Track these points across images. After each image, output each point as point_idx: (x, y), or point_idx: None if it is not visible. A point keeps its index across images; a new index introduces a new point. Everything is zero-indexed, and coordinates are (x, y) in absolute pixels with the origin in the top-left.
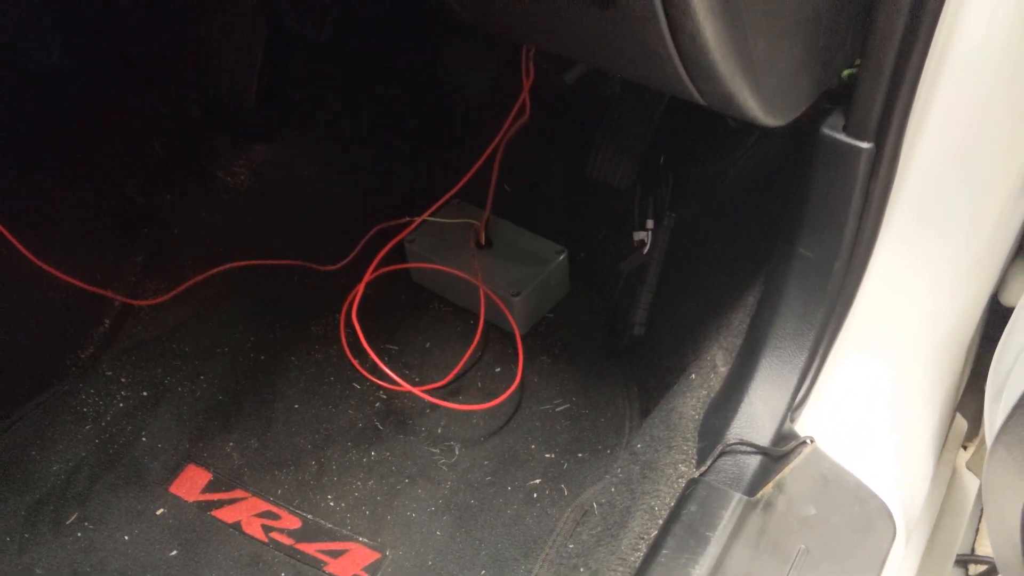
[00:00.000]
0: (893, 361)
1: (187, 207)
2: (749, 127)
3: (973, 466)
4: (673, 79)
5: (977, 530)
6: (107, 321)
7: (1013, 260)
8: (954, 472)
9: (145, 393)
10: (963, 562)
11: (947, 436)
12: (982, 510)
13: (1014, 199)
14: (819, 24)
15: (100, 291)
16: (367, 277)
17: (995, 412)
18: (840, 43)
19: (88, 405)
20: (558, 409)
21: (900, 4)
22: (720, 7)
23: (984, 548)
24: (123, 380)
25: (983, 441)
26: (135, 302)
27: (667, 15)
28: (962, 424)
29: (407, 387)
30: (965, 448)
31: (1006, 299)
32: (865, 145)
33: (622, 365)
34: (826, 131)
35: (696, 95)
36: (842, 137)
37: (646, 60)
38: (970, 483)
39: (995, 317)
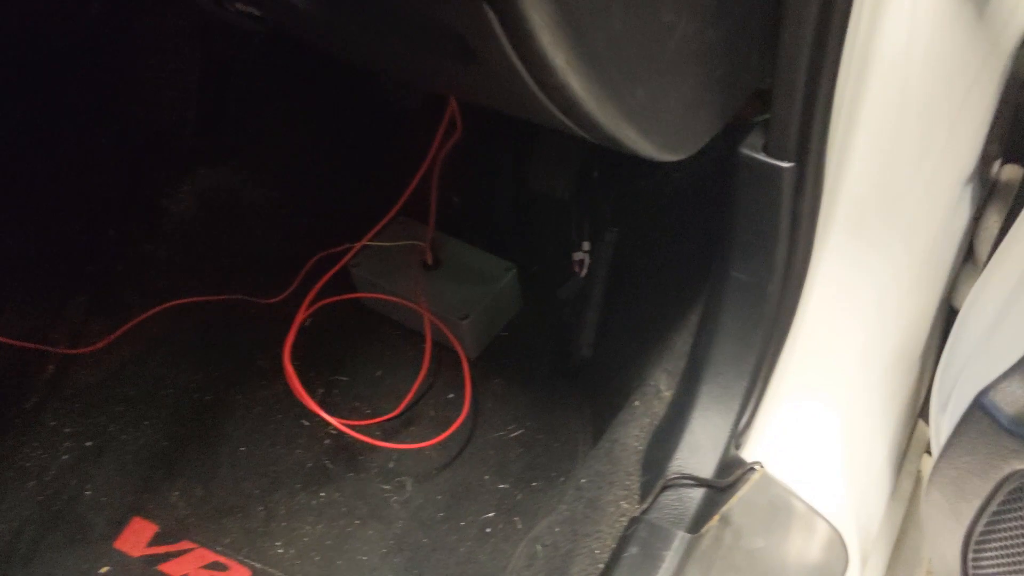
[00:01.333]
0: (842, 378)
1: (131, 241)
2: None
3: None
4: (559, 123)
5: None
6: (51, 367)
7: (964, 264)
8: (918, 481)
9: (89, 443)
10: None
11: (908, 446)
12: None
13: (954, 203)
14: (712, 55)
15: (39, 346)
16: (302, 311)
17: (941, 425)
18: (743, 67)
19: (32, 459)
20: (512, 435)
21: (805, 18)
22: (581, 61)
23: None
24: (67, 430)
25: None
26: (75, 351)
27: (530, 74)
28: (926, 431)
29: (346, 431)
30: (930, 454)
31: (957, 302)
32: (786, 165)
33: (574, 386)
34: (745, 151)
35: (586, 136)
36: (762, 157)
37: (526, 106)
38: None
39: (952, 319)
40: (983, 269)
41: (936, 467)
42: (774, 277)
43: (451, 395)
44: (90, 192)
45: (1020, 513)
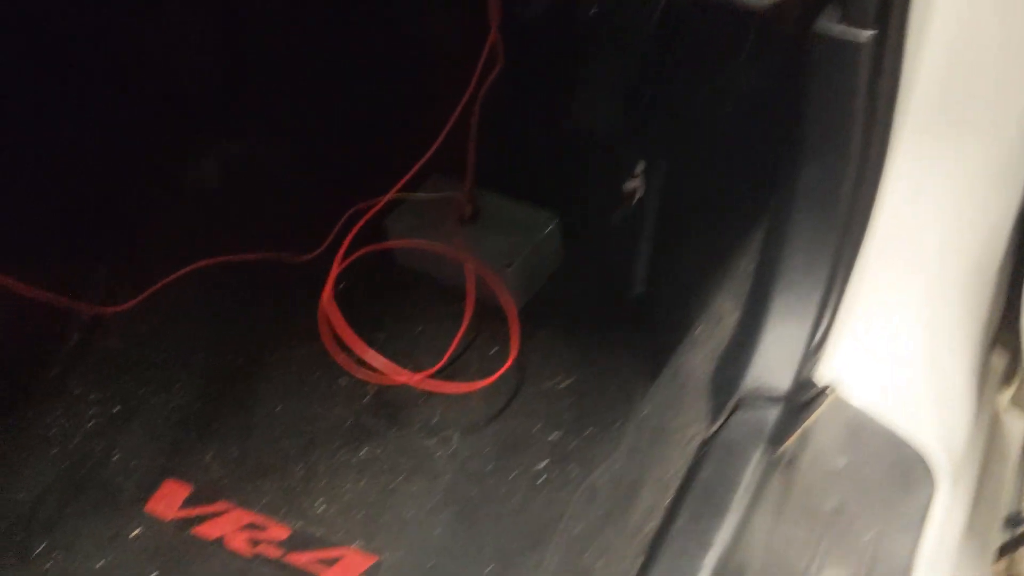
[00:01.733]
0: (919, 290)
1: (153, 208)
2: (740, 43)
3: (1019, 401)
4: None
5: (1021, 490)
6: (75, 335)
7: None
8: (995, 417)
9: (116, 408)
10: (1012, 521)
11: (986, 374)
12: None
13: None
14: None
15: (65, 301)
16: (338, 261)
17: None
18: None
19: (55, 427)
20: (561, 386)
21: None
22: None
23: None
24: (92, 397)
25: None
26: (103, 309)
27: None
28: (999, 361)
29: (392, 374)
30: (1007, 386)
31: None
32: (866, 34)
33: (626, 329)
34: (820, 28)
35: None
36: (839, 31)
37: None
38: (1014, 426)
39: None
40: None
41: None
42: (848, 173)
43: (495, 348)
44: (110, 160)
45: None
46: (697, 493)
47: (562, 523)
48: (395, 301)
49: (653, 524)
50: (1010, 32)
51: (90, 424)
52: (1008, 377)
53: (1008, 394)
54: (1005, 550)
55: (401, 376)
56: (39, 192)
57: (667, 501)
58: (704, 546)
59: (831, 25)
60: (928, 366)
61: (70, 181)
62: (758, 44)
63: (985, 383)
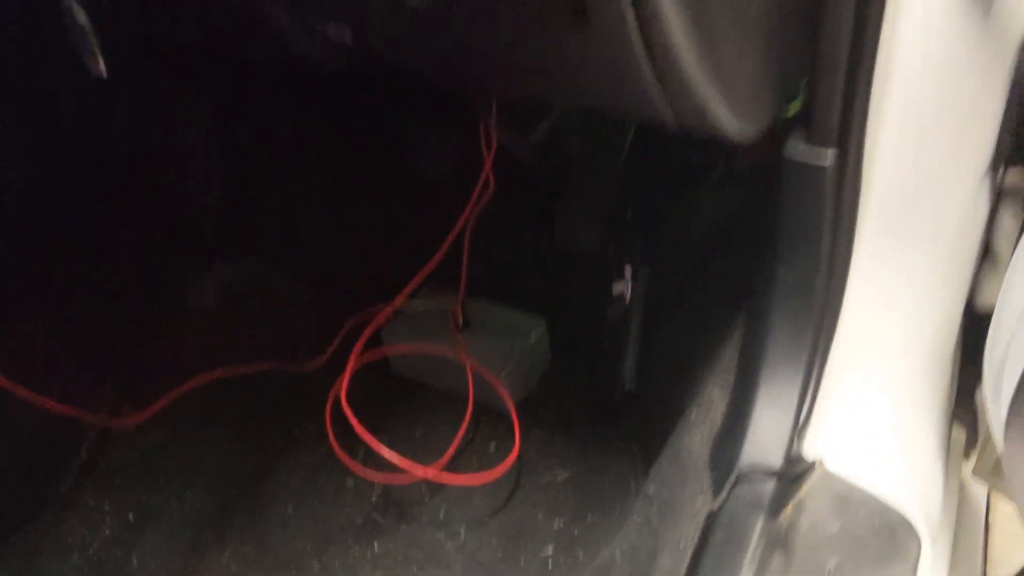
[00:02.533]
0: (886, 373)
1: (156, 329)
2: (710, 166)
3: (979, 472)
4: (647, 98)
5: (984, 557)
6: (84, 450)
7: (981, 262)
8: (961, 485)
9: (131, 516)
10: None
11: (949, 446)
12: (986, 535)
13: (973, 200)
14: (774, 33)
15: (75, 412)
16: (351, 364)
17: (998, 408)
18: (791, 53)
19: (74, 535)
20: (559, 478)
21: (845, 9)
22: (690, 11)
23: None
24: (106, 507)
25: (984, 447)
26: (114, 423)
27: (639, 25)
28: (960, 434)
29: (408, 468)
30: (966, 458)
31: (980, 302)
32: (829, 156)
33: (617, 424)
34: (788, 154)
35: (669, 113)
36: (805, 156)
37: (619, 80)
38: (979, 492)
39: (971, 325)
40: (1003, 264)
41: (1012, 411)
42: (819, 274)
43: (492, 446)
44: (113, 285)
45: None
46: (711, 558)
47: None
48: (393, 407)
49: None
50: (942, 155)
51: (107, 531)
52: (969, 445)
53: (969, 465)
54: None
55: (417, 470)
56: (50, 313)
57: (684, 566)
58: None
59: (799, 149)
60: (899, 439)
61: (73, 305)
62: (727, 167)
63: (950, 455)
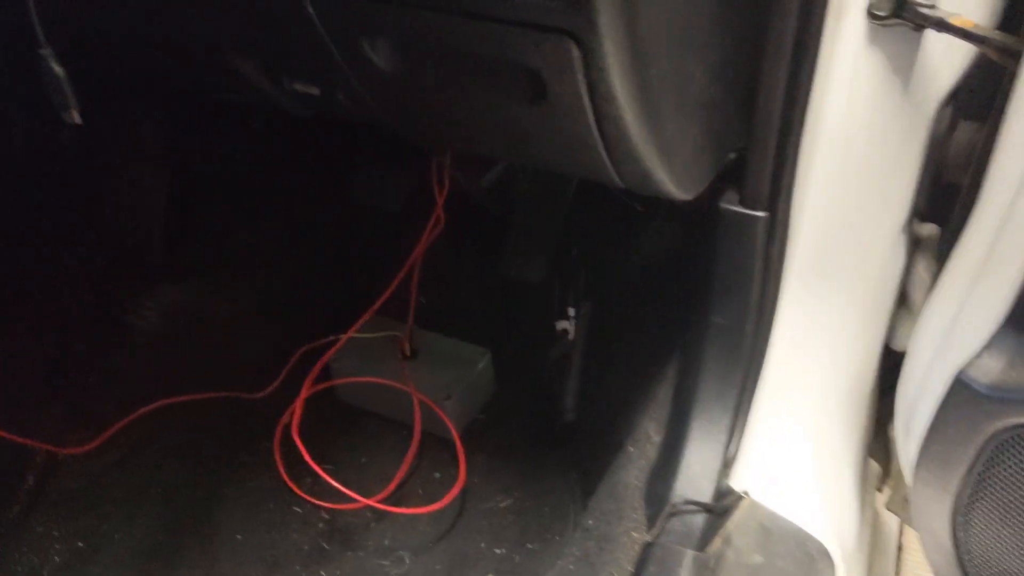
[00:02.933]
0: (808, 410)
1: (101, 355)
2: (652, 211)
3: (892, 506)
4: (596, 164)
5: None
6: (30, 477)
7: (898, 309)
8: (876, 516)
9: (80, 544)
10: None
11: (865, 479)
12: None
13: (890, 252)
14: (714, 109)
15: (21, 440)
16: (304, 392)
17: (908, 446)
18: (729, 126)
19: (22, 563)
20: (502, 505)
21: (775, 92)
22: (638, 95)
23: None
24: (55, 533)
25: (897, 481)
26: (61, 450)
27: (592, 104)
28: (875, 468)
29: (356, 498)
30: (880, 491)
31: (896, 345)
32: (760, 214)
33: (558, 453)
34: (724, 206)
35: (615, 178)
36: (739, 209)
37: (572, 150)
38: (891, 523)
39: (888, 365)
40: (917, 310)
41: (922, 451)
42: (749, 318)
43: (437, 474)
44: (57, 309)
45: (1003, 468)
46: None
47: None
48: (340, 434)
49: None
50: (864, 211)
51: (56, 559)
52: (883, 479)
53: (883, 498)
54: None
55: (365, 500)
56: None
57: None
58: None
59: (732, 206)
60: (819, 472)
61: (15, 330)
62: (666, 215)
63: (865, 487)
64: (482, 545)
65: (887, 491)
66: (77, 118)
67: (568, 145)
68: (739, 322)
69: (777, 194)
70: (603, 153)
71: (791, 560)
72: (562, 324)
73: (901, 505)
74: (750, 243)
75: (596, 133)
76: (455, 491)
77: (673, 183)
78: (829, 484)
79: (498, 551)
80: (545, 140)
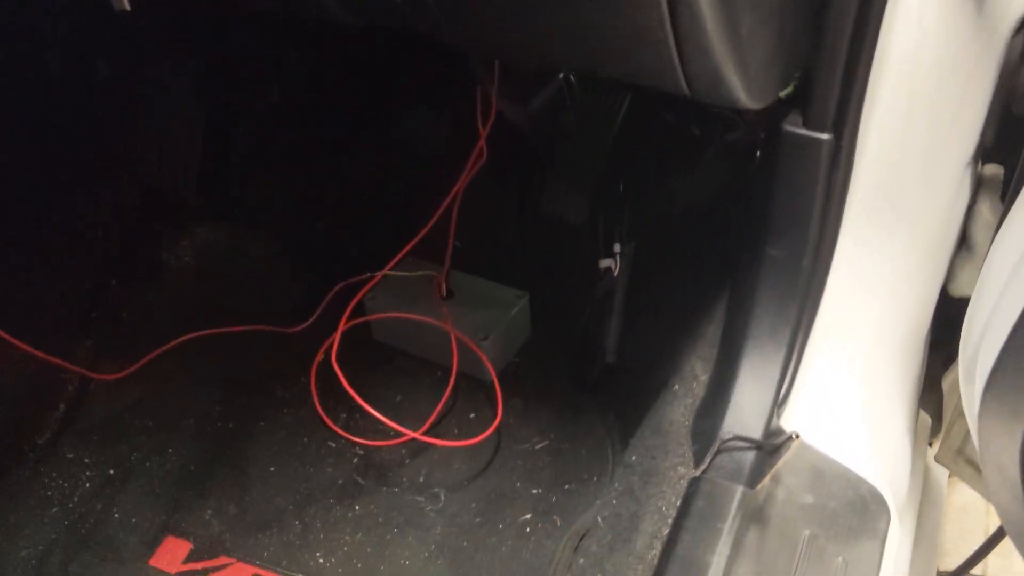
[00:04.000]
0: (863, 352)
1: (134, 290)
2: (703, 149)
3: (942, 459)
4: (664, 64)
5: None
6: (61, 405)
7: (957, 251)
8: (926, 469)
9: (112, 471)
10: None
11: (916, 429)
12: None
13: (955, 191)
14: (788, 15)
15: (55, 361)
16: (342, 325)
17: (971, 389)
18: (799, 39)
19: (52, 488)
20: (538, 447)
21: (848, 6)
22: None
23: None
24: (86, 460)
25: (947, 434)
26: (93, 375)
27: None
28: (925, 420)
29: (398, 428)
30: (930, 445)
31: (954, 290)
32: (825, 136)
33: (596, 395)
34: (787, 127)
35: (682, 80)
36: (802, 131)
37: (639, 47)
38: (941, 478)
39: (939, 314)
40: (979, 253)
41: (990, 384)
42: (807, 252)
43: (472, 415)
44: (91, 246)
45: None
46: (693, 523)
47: (553, 567)
48: (374, 373)
49: (657, 549)
50: (930, 141)
51: (87, 485)
52: (934, 433)
53: (932, 452)
54: None
55: (403, 432)
56: (28, 267)
57: (666, 530)
58: (705, 566)
59: (796, 128)
60: (872, 416)
61: (50, 265)
62: (720, 144)
63: (917, 437)
64: (518, 485)
65: (936, 445)
66: (127, 4)
67: (636, 40)
68: (796, 255)
69: (843, 116)
70: (673, 49)
71: (844, 502)
72: (606, 262)
73: (951, 459)
74: (813, 168)
75: (668, 24)
76: (493, 427)
77: (743, 87)
78: (883, 429)
79: (535, 491)
80: (611, 35)
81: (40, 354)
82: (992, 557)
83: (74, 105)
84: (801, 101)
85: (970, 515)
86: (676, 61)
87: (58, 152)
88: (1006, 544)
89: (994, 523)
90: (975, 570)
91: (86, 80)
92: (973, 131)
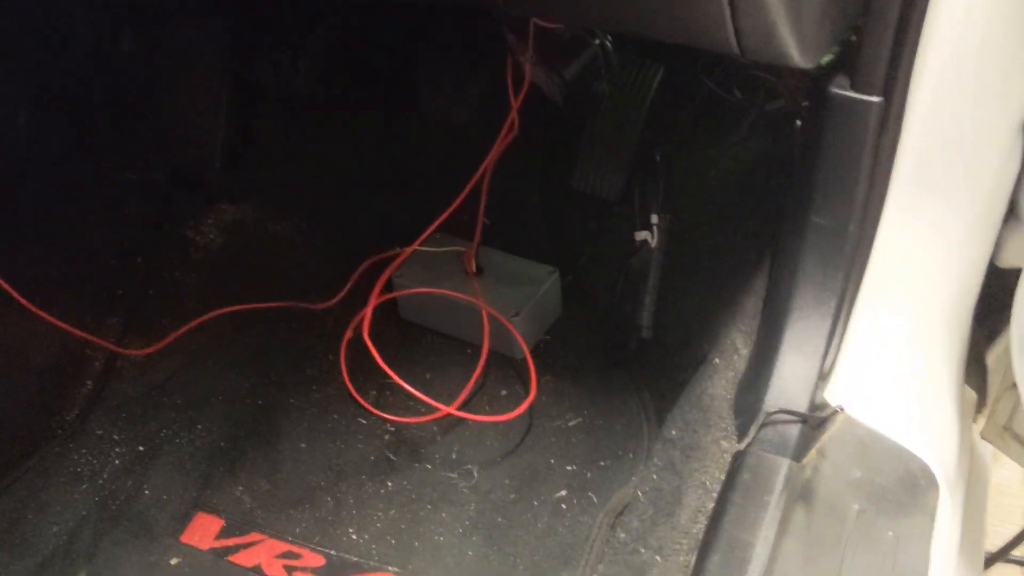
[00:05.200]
0: (910, 324)
1: (160, 268)
2: (745, 109)
3: (988, 435)
4: (715, 19)
5: None
6: (89, 382)
7: (1006, 221)
8: (972, 444)
9: (141, 448)
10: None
11: (963, 403)
12: None
13: (1005, 158)
14: None
15: (91, 337)
16: (372, 301)
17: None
18: None
19: (82, 465)
20: (571, 424)
21: None
22: None
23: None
24: (115, 437)
25: (994, 409)
26: (120, 350)
27: None
28: (971, 395)
29: (432, 404)
30: (975, 421)
31: (1002, 261)
32: (875, 99)
33: (630, 372)
34: (834, 90)
35: (732, 36)
36: (851, 94)
37: (688, 2)
38: (986, 454)
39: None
40: None
41: None
42: (853, 219)
43: (503, 392)
44: (117, 223)
45: None
46: (739, 497)
47: (590, 544)
48: (403, 351)
49: (702, 524)
50: (982, 104)
51: (117, 462)
52: (979, 408)
53: (978, 427)
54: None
55: (438, 408)
56: (55, 248)
57: (711, 505)
58: (753, 541)
59: (844, 91)
60: (920, 389)
61: (77, 242)
62: (759, 111)
63: (964, 411)
64: (552, 461)
65: (981, 421)
66: None
67: None
68: (842, 223)
69: (894, 78)
70: (725, 2)
71: (892, 477)
72: (642, 234)
73: (998, 434)
74: (861, 132)
75: None
76: (527, 402)
77: (796, 43)
78: (930, 403)
79: (569, 468)
80: None
81: (68, 327)
82: None
83: (99, 79)
84: (849, 64)
85: (1005, 495)
86: (728, 15)
87: (83, 127)
88: None
89: None
90: (1017, 552)
91: (111, 54)
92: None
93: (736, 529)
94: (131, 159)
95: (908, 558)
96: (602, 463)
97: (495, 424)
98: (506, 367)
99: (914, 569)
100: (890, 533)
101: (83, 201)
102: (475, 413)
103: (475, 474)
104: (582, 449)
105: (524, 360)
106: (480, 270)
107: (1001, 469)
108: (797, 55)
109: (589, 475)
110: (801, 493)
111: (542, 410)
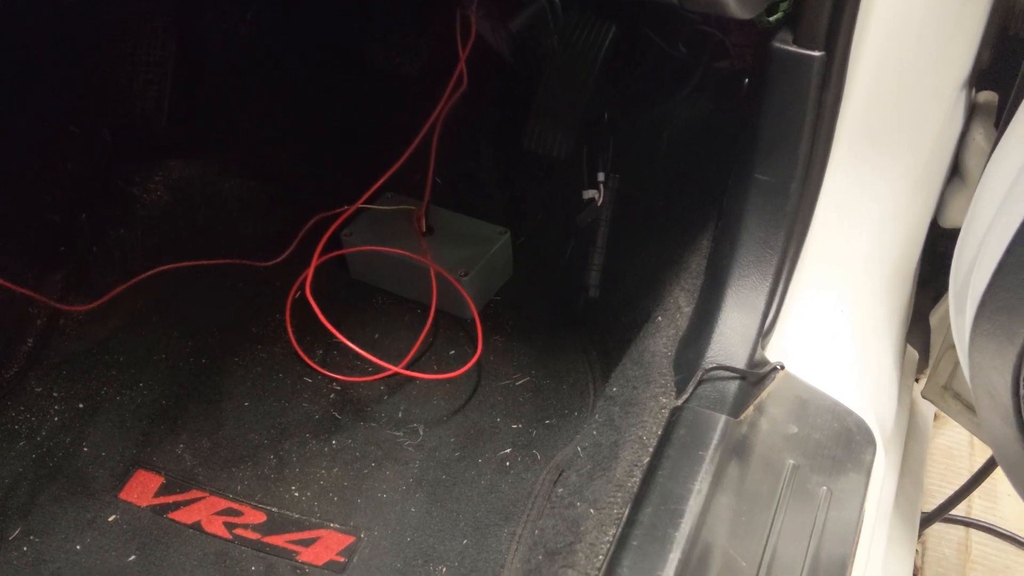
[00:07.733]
0: (851, 283)
1: (105, 225)
2: (693, 66)
3: (928, 394)
4: None
5: None
6: (30, 339)
7: (949, 180)
8: (912, 404)
9: (81, 405)
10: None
11: (903, 364)
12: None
13: (948, 118)
14: None
15: (33, 295)
16: (315, 261)
17: (962, 322)
18: None
19: (20, 422)
20: (518, 383)
21: None
22: None
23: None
24: (55, 395)
25: (935, 369)
26: (62, 307)
27: None
28: (912, 356)
29: (380, 363)
30: (917, 380)
31: (945, 220)
32: (816, 53)
33: (578, 332)
34: (777, 44)
35: None
36: (793, 48)
37: None
38: (927, 413)
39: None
40: (972, 181)
41: (983, 300)
42: (796, 176)
43: (452, 351)
44: (61, 178)
45: None
46: (674, 452)
47: (532, 500)
48: (351, 311)
49: (637, 477)
50: (925, 62)
51: (56, 419)
52: (920, 368)
53: (919, 387)
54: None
55: (385, 367)
56: None
57: (647, 459)
58: (686, 494)
59: (786, 45)
60: (859, 347)
61: (18, 197)
62: (705, 72)
63: (902, 372)
64: (498, 420)
65: (923, 380)
66: None
67: None
68: (785, 180)
69: (836, 32)
70: None
71: (829, 432)
72: (590, 192)
73: (938, 394)
74: (803, 87)
75: None
76: (474, 359)
77: None
78: (870, 361)
79: (515, 426)
80: None
81: (9, 284)
82: (976, 499)
83: (40, 29)
84: (791, 19)
85: (954, 459)
86: None
87: (23, 80)
88: (989, 485)
89: (978, 464)
90: (959, 511)
91: (52, 4)
92: (968, 54)
93: (670, 483)
94: (74, 113)
95: (841, 512)
96: (548, 421)
97: (442, 383)
98: (455, 327)
99: (846, 524)
100: (824, 488)
101: (24, 156)
102: (423, 372)
103: (421, 432)
104: (528, 408)
105: (473, 320)
106: (431, 229)
107: (950, 432)
108: (733, 4)
109: (534, 433)
110: (736, 448)
111: (490, 370)
